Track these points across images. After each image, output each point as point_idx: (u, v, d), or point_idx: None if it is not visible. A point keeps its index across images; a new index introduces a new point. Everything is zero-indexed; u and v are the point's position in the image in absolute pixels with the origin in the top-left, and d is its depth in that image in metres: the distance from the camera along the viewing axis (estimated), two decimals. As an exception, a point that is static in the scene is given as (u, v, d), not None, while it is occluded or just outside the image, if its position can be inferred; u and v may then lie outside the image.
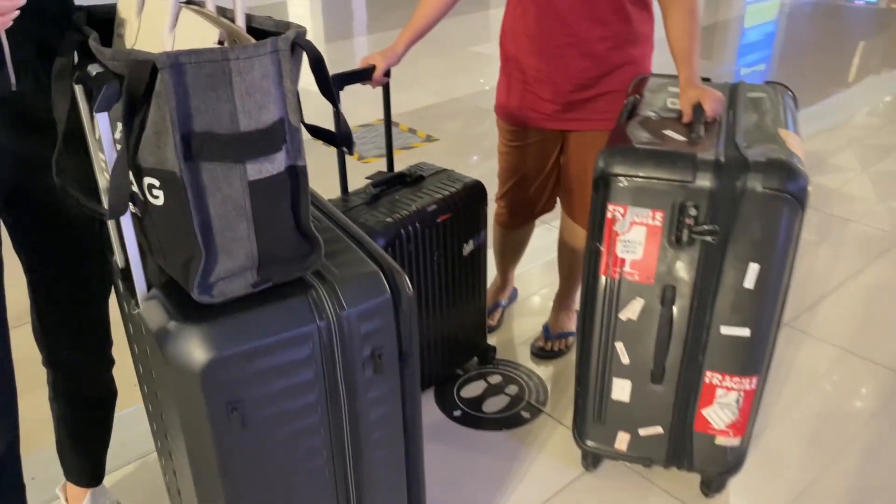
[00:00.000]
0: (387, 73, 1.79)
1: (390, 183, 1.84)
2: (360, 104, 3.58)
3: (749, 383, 1.49)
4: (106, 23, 1.13)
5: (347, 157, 2.00)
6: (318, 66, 1.05)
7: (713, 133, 1.46)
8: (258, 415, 1.01)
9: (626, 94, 1.70)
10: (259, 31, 1.11)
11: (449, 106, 4.29)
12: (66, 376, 1.39)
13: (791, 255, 1.37)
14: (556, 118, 1.84)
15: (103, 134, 0.96)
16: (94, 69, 0.97)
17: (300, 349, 1.01)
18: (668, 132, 1.47)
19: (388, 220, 1.69)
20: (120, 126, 0.95)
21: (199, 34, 0.96)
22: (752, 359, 1.47)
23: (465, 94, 4.40)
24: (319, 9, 6.88)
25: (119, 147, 0.96)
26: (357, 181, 1.89)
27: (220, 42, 0.94)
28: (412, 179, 1.85)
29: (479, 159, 3.54)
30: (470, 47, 4.95)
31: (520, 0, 1.79)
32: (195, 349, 0.95)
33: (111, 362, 1.41)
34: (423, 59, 4.80)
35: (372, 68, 1.76)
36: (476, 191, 1.86)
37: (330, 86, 1.06)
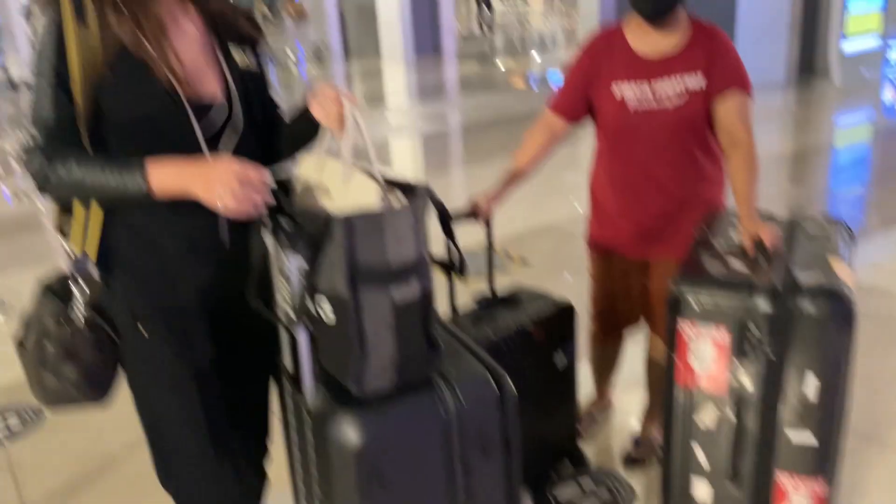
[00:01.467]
0: (488, 209, 2.14)
1: (492, 304, 2.14)
2: (462, 232, 3.97)
3: (819, 487, 1.65)
4: (284, 183, 1.52)
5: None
6: (442, 215, 1.40)
7: (772, 263, 1.70)
8: (396, 486, 1.29)
9: (698, 226, 1.98)
10: (395, 183, 1.48)
11: (542, 230, 4.63)
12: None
13: (845, 370, 1.56)
14: (638, 248, 2.12)
15: (291, 267, 1.31)
16: (286, 222, 1.34)
17: (429, 434, 1.29)
18: (733, 261, 1.73)
19: (491, 336, 1.98)
20: (302, 261, 1.30)
21: (366, 191, 1.32)
22: (820, 463, 1.63)
23: (557, 219, 4.74)
24: (420, 144, 7.53)
25: (301, 276, 1.31)
26: (463, 301, 2.20)
27: (382, 197, 1.29)
28: (511, 301, 2.15)
29: (571, 280, 3.82)
30: (561, 174, 5.36)
31: (604, 146, 2.14)
32: (351, 432, 1.25)
33: (267, 450, 1.72)
34: (528, 192, 5.22)
35: (477, 207, 2.11)
36: (567, 311, 2.13)
37: (451, 229, 1.40)
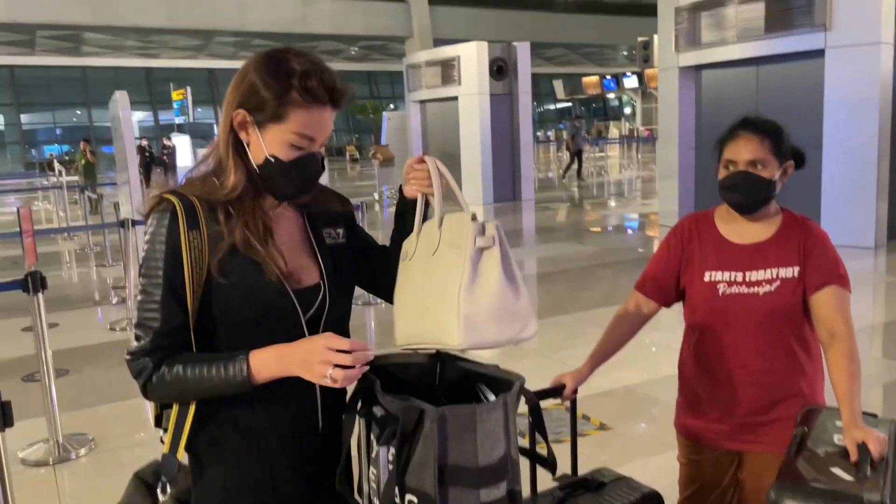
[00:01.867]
0: (574, 391, 2.11)
1: (574, 487, 2.07)
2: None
3: None
4: (383, 368, 1.55)
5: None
6: (535, 411, 1.39)
7: (878, 473, 1.60)
8: None
9: (795, 422, 1.88)
10: (486, 376, 1.49)
11: (622, 394, 4.50)
12: None
13: None
14: (729, 438, 2.03)
15: (381, 459, 1.31)
16: (378, 410, 1.35)
17: None
18: (836, 470, 1.63)
19: (574, 524, 1.89)
20: (392, 451, 1.30)
21: (458, 229, 1.40)
22: None
23: (637, 383, 4.62)
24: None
25: (390, 468, 1.30)
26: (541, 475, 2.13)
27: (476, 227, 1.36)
28: (594, 485, 2.07)
29: (653, 454, 3.66)
30: (642, 336, 5.27)
31: (693, 328, 2.10)
32: None
33: None
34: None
35: (562, 386, 2.08)
36: (654, 501, 2.03)
37: (543, 426, 1.38)
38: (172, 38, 29.38)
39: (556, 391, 2.07)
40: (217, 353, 1.33)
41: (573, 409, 2.16)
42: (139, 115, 38.87)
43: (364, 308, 6.49)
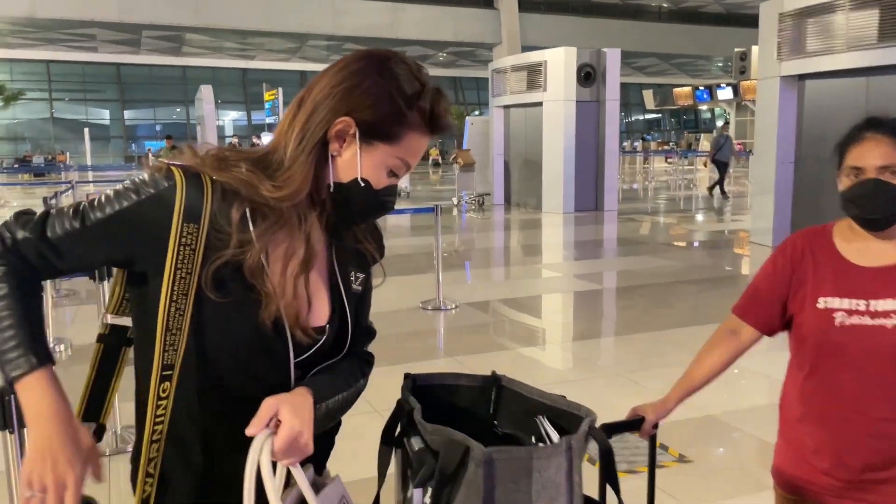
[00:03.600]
0: (654, 425, 1.84)
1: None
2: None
3: None
4: (427, 390, 1.34)
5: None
6: (606, 456, 1.14)
7: None
8: None
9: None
10: (549, 407, 1.25)
11: (703, 423, 4.14)
12: None
13: None
14: (839, 496, 1.72)
15: (415, 500, 1.10)
16: (416, 442, 1.14)
17: None
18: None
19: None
20: (428, 495, 1.09)
21: None
22: None
23: (721, 412, 4.24)
24: (571, 303, 7.27)
25: (426, 512, 1.09)
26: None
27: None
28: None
29: (738, 494, 3.31)
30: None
31: (799, 362, 1.79)
32: None
33: None
34: (677, 368, 4.79)
35: (641, 419, 1.81)
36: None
37: (616, 476, 1.13)
38: (268, 40, 30.21)
39: (633, 424, 1.81)
40: (28, 327, 1.03)
41: (652, 444, 1.89)
42: (234, 115, 40.23)
43: (434, 314, 6.31)
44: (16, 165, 25.67)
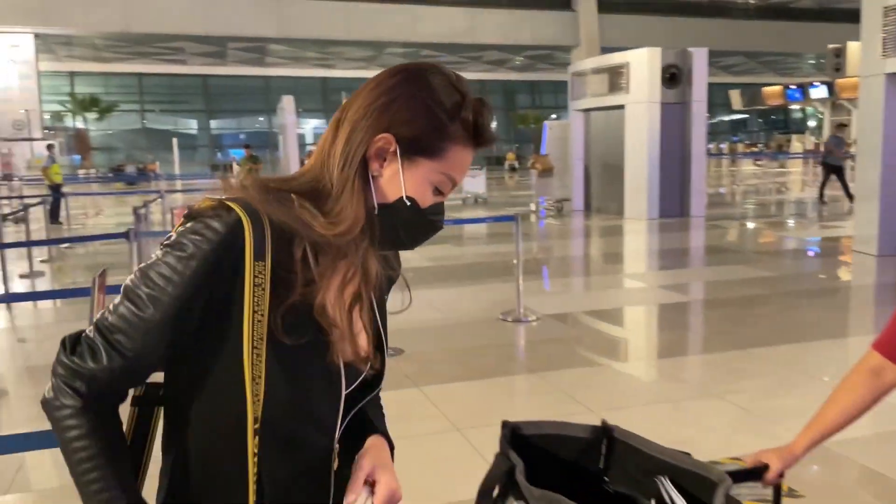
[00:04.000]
0: (780, 474, 1.60)
1: None
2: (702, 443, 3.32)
3: None
4: (532, 444, 1.16)
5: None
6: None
7: None
8: None
9: None
10: (670, 466, 1.05)
11: (828, 459, 3.80)
12: None
13: None
14: None
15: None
16: (517, 510, 0.97)
17: None
18: None
19: None
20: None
21: None
22: None
23: (833, 441, 3.88)
24: (655, 317, 6.93)
25: None
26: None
27: None
28: None
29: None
30: (834, 381, 4.50)
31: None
32: None
33: None
34: (775, 389, 4.44)
35: (764, 467, 1.59)
36: None
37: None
38: (347, 49, 30.70)
39: (756, 473, 1.58)
40: (121, 461, 0.98)
41: (777, 494, 1.65)
42: (314, 123, 41.13)
43: (513, 326, 6.12)
44: (110, 174, 26.94)
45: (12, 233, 11.66)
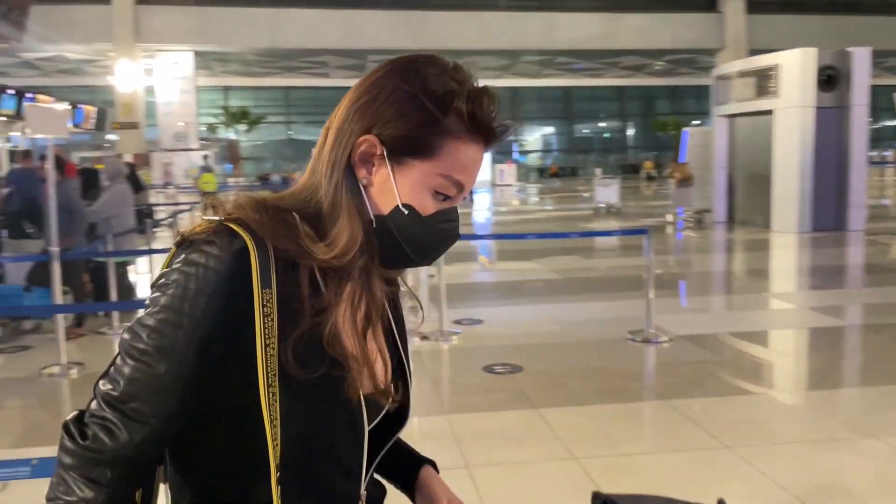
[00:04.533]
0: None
1: None
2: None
3: None
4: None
5: None
6: None
7: None
8: None
9: None
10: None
11: None
12: None
13: None
14: None
15: None
16: None
17: None
18: None
19: None
20: None
21: None
22: None
23: None
24: (805, 343, 6.27)
25: None
26: None
27: None
28: None
29: None
30: None
31: None
32: None
33: None
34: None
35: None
36: None
37: None
38: (482, 58, 30.84)
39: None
40: None
41: None
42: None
43: (642, 346, 5.73)
44: (257, 183, 28.46)
45: (166, 237, 12.49)
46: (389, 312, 1.04)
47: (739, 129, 14.09)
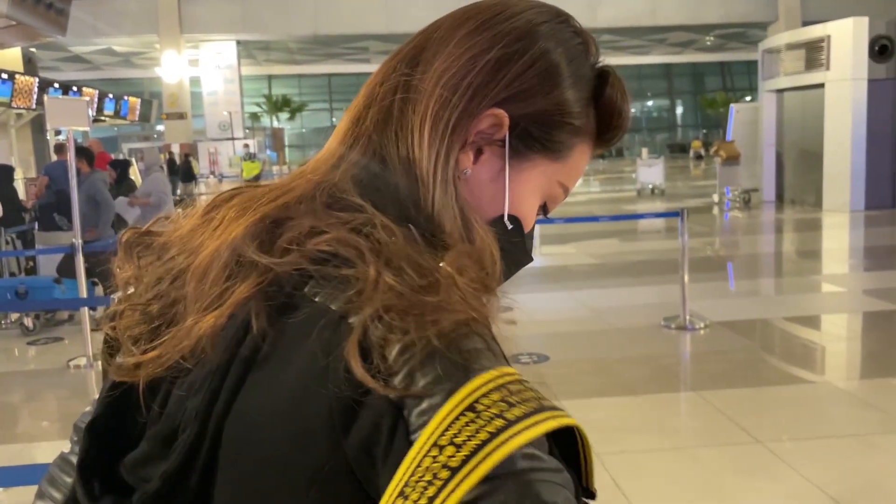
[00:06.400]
0: None
1: None
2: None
3: None
4: None
5: None
6: None
7: None
8: None
9: None
10: None
11: None
12: None
13: None
14: None
15: None
16: None
17: None
18: None
19: None
20: None
21: None
22: None
23: None
24: (858, 327, 5.95)
25: None
26: None
27: None
28: None
29: None
30: None
31: None
32: None
33: None
34: None
35: None
36: None
37: None
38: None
39: None
40: None
41: None
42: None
43: (677, 334, 5.49)
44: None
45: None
46: None
47: (788, 104, 13.52)
